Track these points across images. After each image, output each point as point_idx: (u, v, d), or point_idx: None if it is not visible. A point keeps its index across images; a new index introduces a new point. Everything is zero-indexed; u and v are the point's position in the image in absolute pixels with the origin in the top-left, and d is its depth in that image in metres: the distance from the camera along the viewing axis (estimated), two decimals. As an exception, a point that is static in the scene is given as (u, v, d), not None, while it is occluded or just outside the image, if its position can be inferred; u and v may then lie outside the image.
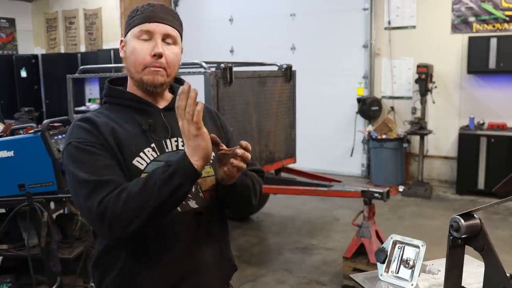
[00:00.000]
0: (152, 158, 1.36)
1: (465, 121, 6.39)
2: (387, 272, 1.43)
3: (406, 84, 6.94)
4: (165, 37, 1.38)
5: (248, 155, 1.29)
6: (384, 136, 6.62)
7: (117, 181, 1.26)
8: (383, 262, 1.43)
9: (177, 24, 1.42)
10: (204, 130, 1.22)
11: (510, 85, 6.25)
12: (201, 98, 3.82)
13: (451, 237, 1.24)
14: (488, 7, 6.29)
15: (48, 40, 10.02)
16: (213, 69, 3.93)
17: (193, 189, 1.38)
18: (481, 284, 1.23)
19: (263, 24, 7.88)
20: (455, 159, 6.45)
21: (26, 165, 2.64)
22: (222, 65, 3.90)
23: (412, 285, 1.36)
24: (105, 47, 9.00)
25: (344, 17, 7.31)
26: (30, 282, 2.77)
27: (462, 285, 1.30)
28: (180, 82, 1.54)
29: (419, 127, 6.34)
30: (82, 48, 9.48)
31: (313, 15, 7.55)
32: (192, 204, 1.38)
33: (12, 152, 2.63)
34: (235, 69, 3.99)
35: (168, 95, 1.49)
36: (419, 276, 1.36)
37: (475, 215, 1.23)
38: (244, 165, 1.29)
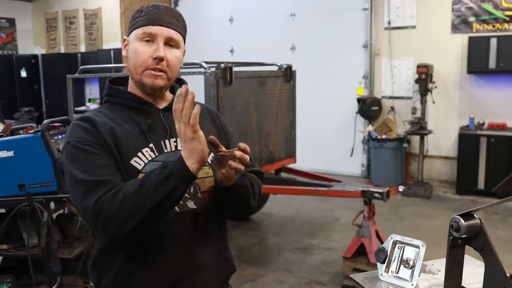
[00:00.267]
0: (150, 158, 1.36)
1: (465, 121, 6.39)
2: (387, 272, 1.43)
3: (406, 84, 6.94)
4: (168, 41, 1.37)
5: (247, 157, 1.29)
6: (384, 136, 6.62)
7: (113, 181, 1.26)
8: (383, 262, 1.43)
9: (181, 27, 1.42)
10: (201, 133, 1.22)
11: (510, 85, 6.25)
12: (201, 98, 3.83)
13: (451, 237, 1.24)
14: (488, 7, 6.29)
15: (48, 40, 10.02)
16: (213, 69, 3.93)
17: (192, 190, 1.38)
18: (481, 284, 1.23)
19: (263, 24, 7.88)
20: (455, 159, 6.45)
21: (26, 165, 2.64)
22: (222, 65, 3.89)
23: (412, 285, 1.36)
24: (105, 47, 9.00)
25: (344, 17, 7.30)
26: (30, 282, 2.77)
27: (462, 285, 1.30)
28: (181, 82, 1.54)
29: (419, 127, 6.34)
30: (82, 48, 9.48)
31: (313, 15, 7.55)
32: (191, 204, 1.38)
33: (12, 152, 2.63)
34: (235, 69, 3.99)
35: (168, 96, 1.49)
36: (419, 276, 1.36)
37: (475, 215, 1.23)
38: (242, 167, 1.29)
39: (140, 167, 1.34)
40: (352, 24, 7.24)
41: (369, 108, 6.92)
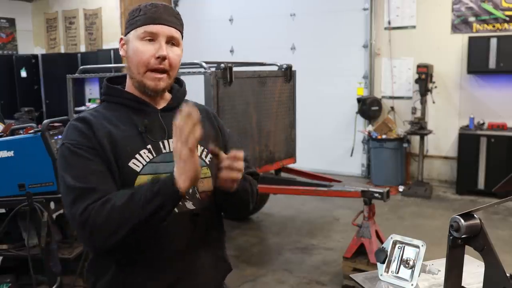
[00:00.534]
0: (148, 159, 1.35)
1: (465, 121, 6.39)
2: (387, 272, 1.43)
3: (406, 84, 6.94)
4: (169, 39, 1.37)
5: (237, 165, 1.28)
6: (384, 136, 6.62)
7: (103, 189, 1.25)
8: (383, 262, 1.43)
9: (180, 25, 1.42)
10: (196, 154, 1.21)
11: (510, 85, 6.25)
12: (201, 98, 3.83)
13: (451, 237, 1.24)
14: (488, 7, 6.29)
15: (48, 40, 10.02)
16: (213, 69, 3.93)
17: (190, 191, 1.38)
18: (481, 284, 1.23)
19: (263, 24, 7.87)
20: (455, 159, 6.45)
21: (26, 165, 2.64)
22: (222, 65, 3.89)
23: (412, 285, 1.36)
24: (105, 47, 9.00)
25: (344, 17, 7.30)
26: (30, 282, 2.77)
27: (462, 285, 1.30)
28: (179, 82, 1.54)
29: (419, 127, 6.34)
30: (82, 48, 9.48)
31: (313, 15, 7.55)
32: (189, 205, 1.38)
33: (12, 152, 2.62)
34: (235, 69, 3.99)
35: (167, 95, 1.48)
36: (419, 276, 1.36)
37: (475, 215, 1.23)
38: (235, 175, 1.29)
39: (138, 169, 1.33)
40: (352, 24, 7.24)
41: (369, 108, 6.92)
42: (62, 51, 9.74)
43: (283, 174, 4.96)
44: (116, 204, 1.21)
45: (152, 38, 1.35)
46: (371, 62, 7.14)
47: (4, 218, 2.71)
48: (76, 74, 4.75)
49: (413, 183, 6.58)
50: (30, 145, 2.65)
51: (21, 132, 2.92)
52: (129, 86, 1.44)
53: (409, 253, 1.40)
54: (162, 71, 1.36)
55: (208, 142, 1.40)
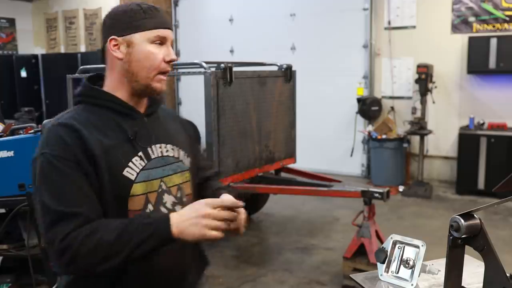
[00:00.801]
0: (141, 167, 1.33)
1: (465, 121, 6.39)
2: (387, 272, 1.43)
3: (406, 84, 6.94)
4: (171, 42, 1.40)
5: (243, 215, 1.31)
6: (384, 136, 6.62)
7: (85, 214, 1.20)
8: (383, 262, 1.43)
9: None
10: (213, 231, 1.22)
11: (510, 85, 6.25)
12: (201, 98, 3.84)
13: (451, 237, 1.23)
14: (488, 7, 6.29)
15: (48, 40, 10.02)
16: (213, 69, 3.93)
17: (178, 195, 1.41)
18: (481, 284, 1.23)
19: (263, 24, 7.87)
20: (455, 159, 6.45)
21: (26, 165, 2.63)
22: (222, 65, 3.90)
23: (412, 285, 1.36)
24: (105, 47, 8.99)
25: (344, 17, 7.30)
26: (30, 282, 2.77)
27: (462, 285, 1.30)
28: None
29: (419, 127, 6.34)
30: (82, 48, 9.48)
31: (313, 15, 7.54)
32: (178, 209, 1.37)
33: (12, 152, 2.62)
34: (235, 69, 3.99)
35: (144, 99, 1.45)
36: (419, 276, 1.36)
37: (475, 215, 1.23)
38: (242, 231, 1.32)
39: (133, 178, 1.30)
40: (352, 24, 7.24)
41: (369, 108, 6.92)
42: (62, 51, 9.74)
43: (283, 174, 4.96)
44: (103, 239, 1.17)
45: (161, 42, 1.36)
46: (371, 62, 7.14)
47: (4, 218, 2.71)
48: (76, 74, 4.76)
49: (413, 183, 6.58)
50: (30, 145, 2.64)
51: (21, 132, 2.92)
52: (110, 89, 1.38)
53: (409, 253, 1.40)
54: (165, 73, 1.38)
55: (187, 146, 1.47)
